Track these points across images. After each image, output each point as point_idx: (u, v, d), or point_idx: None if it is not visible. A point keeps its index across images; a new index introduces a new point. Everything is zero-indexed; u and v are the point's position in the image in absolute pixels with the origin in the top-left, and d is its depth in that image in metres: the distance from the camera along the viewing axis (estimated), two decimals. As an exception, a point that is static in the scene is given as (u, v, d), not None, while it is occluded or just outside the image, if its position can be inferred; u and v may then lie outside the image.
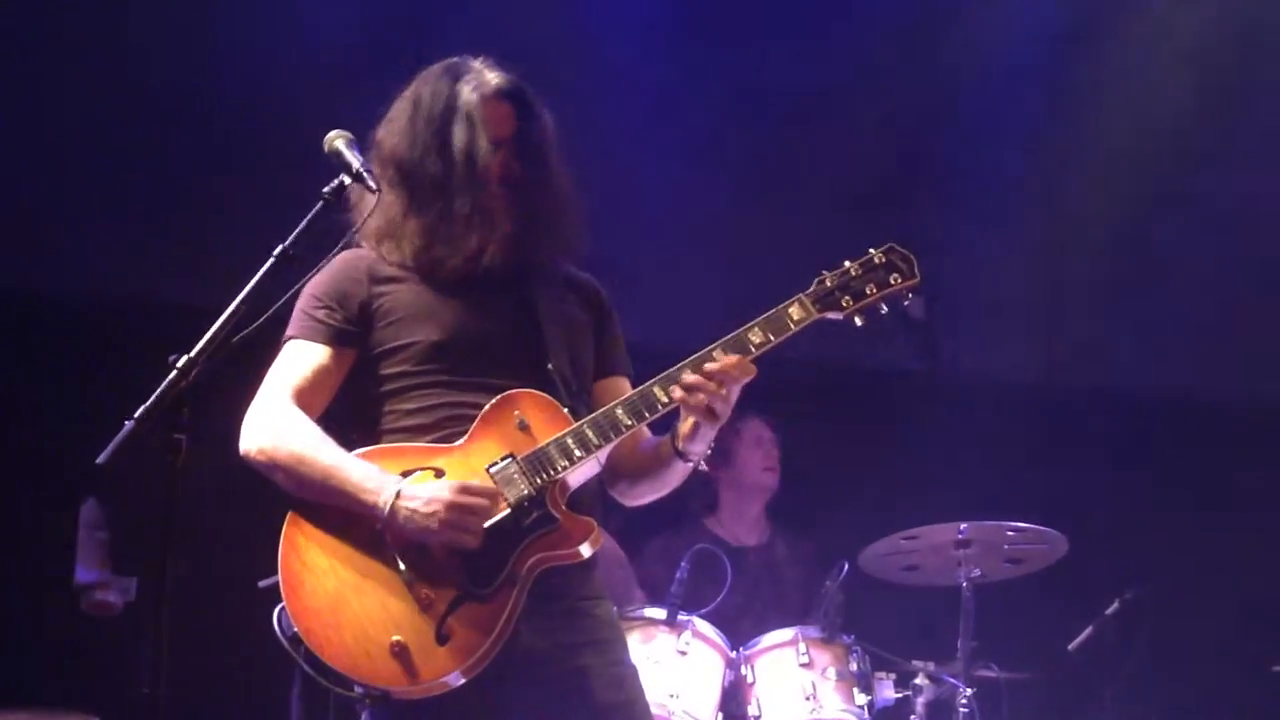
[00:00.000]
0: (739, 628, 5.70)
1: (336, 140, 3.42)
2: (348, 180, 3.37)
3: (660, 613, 5.41)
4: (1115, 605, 6.22)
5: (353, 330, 3.56)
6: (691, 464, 3.53)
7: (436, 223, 3.55)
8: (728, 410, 3.41)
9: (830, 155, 7.07)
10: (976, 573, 5.70)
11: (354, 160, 3.38)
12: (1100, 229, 7.32)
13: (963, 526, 5.64)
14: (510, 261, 3.58)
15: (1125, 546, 7.14)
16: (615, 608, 5.11)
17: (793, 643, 5.50)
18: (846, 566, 5.58)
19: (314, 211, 3.31)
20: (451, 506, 3.32)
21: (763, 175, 7.09)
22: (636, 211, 6.54)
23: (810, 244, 6.76)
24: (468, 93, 3.59)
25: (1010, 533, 5.68)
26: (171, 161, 6.41)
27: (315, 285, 3.57)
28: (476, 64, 3.66)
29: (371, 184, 3.37)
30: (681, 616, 5.40)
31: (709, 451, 3.53)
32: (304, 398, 3.50)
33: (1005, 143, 7.10)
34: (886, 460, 7.06)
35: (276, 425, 3.44)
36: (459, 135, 3.55)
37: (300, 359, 3.54)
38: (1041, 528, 5.67)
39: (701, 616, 5.47)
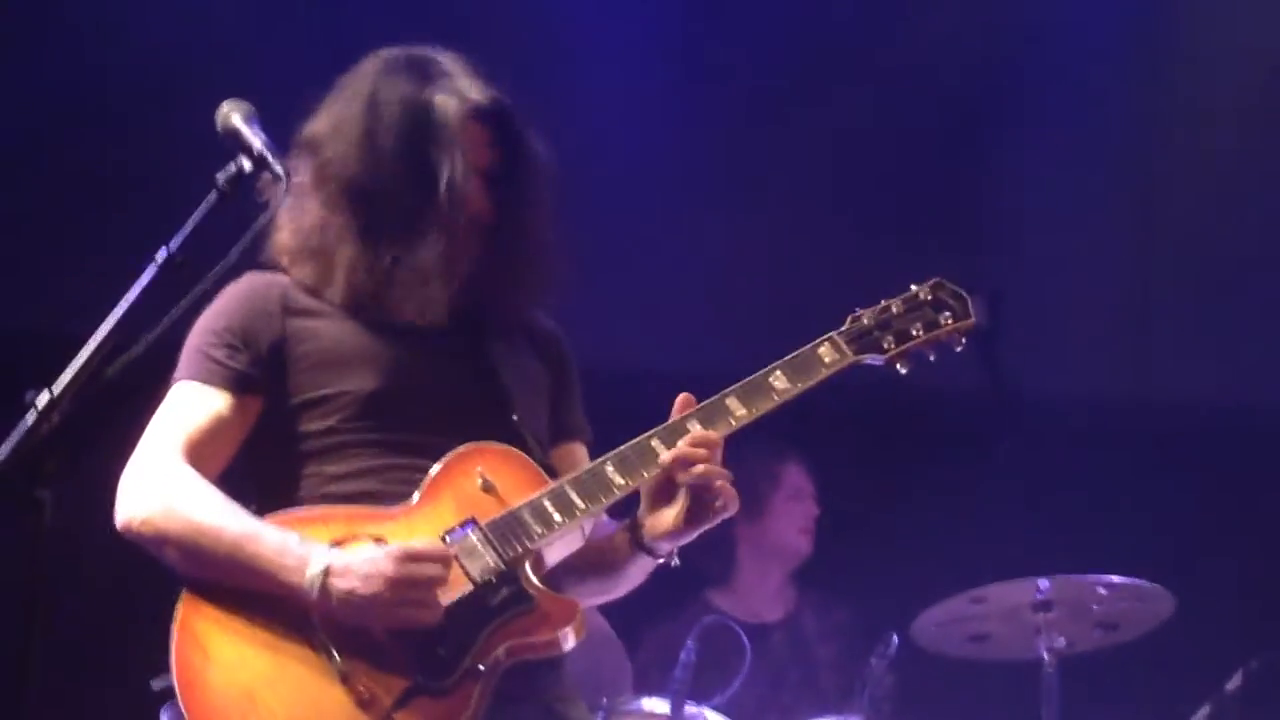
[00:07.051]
0: (763, 722, 5.70)
1: (232, 115, 3.37)
2: (248, 165, 3.33)
3: (662, 704, 5.40)
4: (1238, 679, 6.19)
5: (259, 375, 3.55)
6: (663, 561, 3.52)
7: (394, 265, 3.54)
8: (732, 505, 3.42)
9: (871, 138, 7.11)
10: (1061, 642, 5.71)
11: (255, 140, 3.34)
12: (1205, 208, 7.33)
13: (1042, 584, 5.65)
14: (464, 307, 3.60)
15: (1249, 602, 7.13)
16: (605, 699, 5.17)
17: (832, 737, 5.51)
18: (896, 640, 5.59)
19: (205, 206, 3.28)
20: (400, 575, 3.29)
21: (784, 154, 7.13)
22: (629, 220, 6.61)
23: (850, 248, 6.92)
24: (450, 107, 3.57)
25: (1102, 590, 5.70)
26: (21, 165, 6.42)
27: (213, 317, 3.56)
28: (446, 62, 3.64)
29: (278, 169, 3.33)
30: (690, 709, 5.38)
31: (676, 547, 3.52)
32: (197, 454, 3.47)
33: (1084, 109, 7.14)
34: (943, 503, 7.05)
35: (165, 488, 3.42)
36: (442, 163, 3.53)
37: (193, 406, 3.52)
38: (1141, 582, 5.70)
39: (715, 708, 5.45)
